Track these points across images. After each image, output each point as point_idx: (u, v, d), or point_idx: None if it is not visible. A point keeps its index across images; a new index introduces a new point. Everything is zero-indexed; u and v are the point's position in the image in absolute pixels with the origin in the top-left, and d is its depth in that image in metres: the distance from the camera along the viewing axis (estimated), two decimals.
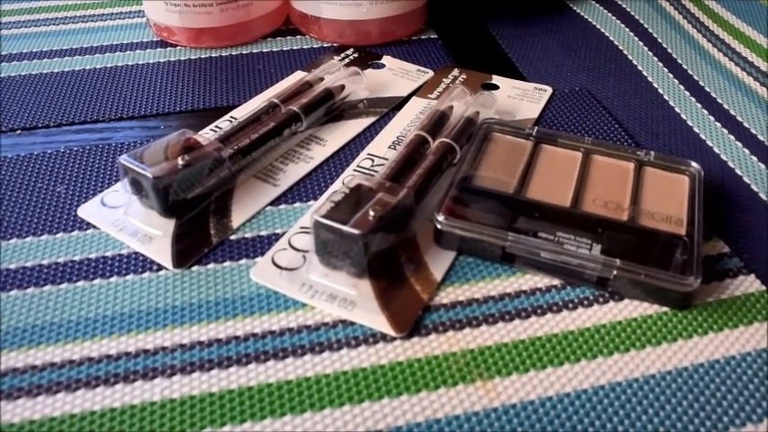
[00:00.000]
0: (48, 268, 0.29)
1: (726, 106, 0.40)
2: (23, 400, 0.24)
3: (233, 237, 0.31)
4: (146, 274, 0.29)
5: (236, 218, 0.32)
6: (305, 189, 0.34)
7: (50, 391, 0.24)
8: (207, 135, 0.33)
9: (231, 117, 0.38)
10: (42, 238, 0.31)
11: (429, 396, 0.24)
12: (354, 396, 0.24)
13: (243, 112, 0.38)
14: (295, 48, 0.46)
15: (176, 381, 0.25)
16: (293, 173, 0.34)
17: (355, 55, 0.45)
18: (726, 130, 0.38)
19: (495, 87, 0.41)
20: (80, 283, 0.29)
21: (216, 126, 0.37)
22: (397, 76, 0.43)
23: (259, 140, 0.34)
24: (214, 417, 0.24)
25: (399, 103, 0.40)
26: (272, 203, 0.33)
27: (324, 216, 0.27)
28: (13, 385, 0.25)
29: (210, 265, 0.29)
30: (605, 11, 0.50)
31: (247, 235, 0.31)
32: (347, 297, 0.27)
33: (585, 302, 0.28)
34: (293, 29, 0.48)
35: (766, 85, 0.42)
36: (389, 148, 0.36)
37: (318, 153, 0.36)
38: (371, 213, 0.27)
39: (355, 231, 0.26)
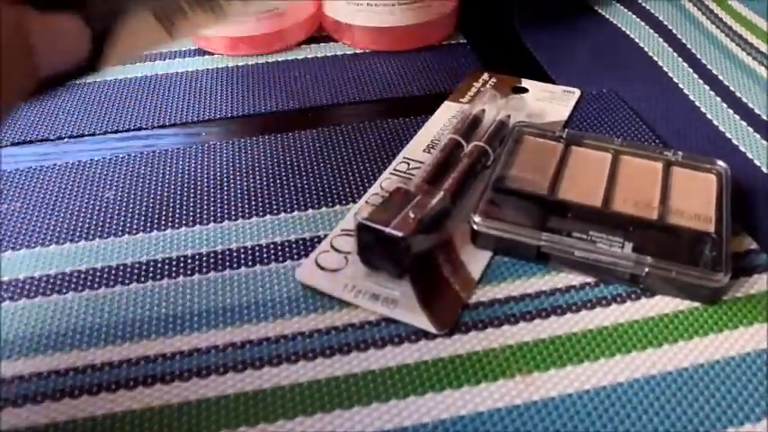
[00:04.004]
0: (101, 271, 0.31)
1: (751, 105, 0.40)
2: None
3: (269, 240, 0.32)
4: (195, 277, 0.30)
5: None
6: (343, 192, 0.35)
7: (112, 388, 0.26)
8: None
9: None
10: (94, 243, 0.32)
11: (471, 390, 0.26)
12: (400, 391, 0.26)
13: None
14: (329, 54, 0.47)
15: (229, 378, 0.26)
16: None
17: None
18: (751, 129, 0.39)
19: (525, 90, 0.42)
20: (148, 284, 0.30)
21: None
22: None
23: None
24: (267, 413, 0.25)
25: (430, 107, 0.41)
26: (313, 207, 0.34)
27: (366, 218, 0.28)
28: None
29: (256, 268, 0.31)
30: (631, 14, 0.51)
31: (291, 238, 0.32)
32: (389, 296, 0.29)
33: (619, 299, 0.29)
34: (326, 36, 0.49)
35: None
36: (424, 151, 0.37)
37: None
38: (412, 215, 0.28)
39: (398, 233, 0.27)
